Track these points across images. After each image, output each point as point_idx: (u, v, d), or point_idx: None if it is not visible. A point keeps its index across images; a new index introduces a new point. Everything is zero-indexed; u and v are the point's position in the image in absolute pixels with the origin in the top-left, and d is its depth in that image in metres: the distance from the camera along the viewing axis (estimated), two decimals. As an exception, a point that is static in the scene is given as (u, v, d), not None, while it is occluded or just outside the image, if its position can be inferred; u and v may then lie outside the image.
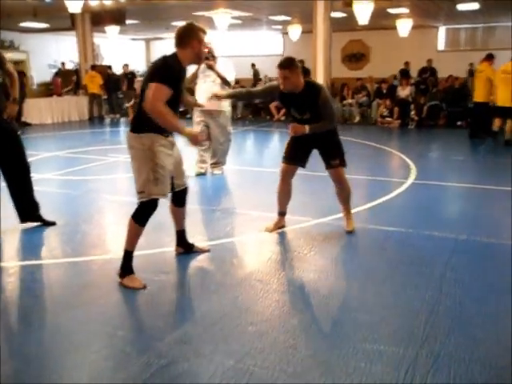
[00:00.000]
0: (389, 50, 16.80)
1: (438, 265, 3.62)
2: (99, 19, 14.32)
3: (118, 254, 3.39)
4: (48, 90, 16.56)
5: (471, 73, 14.35)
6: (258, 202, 5.37)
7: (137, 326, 2.91)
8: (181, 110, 4.04)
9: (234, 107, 12.28)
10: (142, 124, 3.18)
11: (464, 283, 3.33)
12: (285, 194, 4.37)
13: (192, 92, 6.44)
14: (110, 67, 15.91)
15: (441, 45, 17.35)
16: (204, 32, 3.28)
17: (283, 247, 4.18)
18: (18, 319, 2.95)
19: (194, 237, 3.99)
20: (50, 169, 7.39)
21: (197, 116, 6.56)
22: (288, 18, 14.98)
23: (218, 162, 6.86)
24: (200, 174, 6.63)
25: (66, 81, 16.15)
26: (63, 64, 16.37)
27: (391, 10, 12.90)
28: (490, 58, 10.01)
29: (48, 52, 17.71)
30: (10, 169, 4.39)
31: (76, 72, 16.30)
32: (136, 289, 3.21)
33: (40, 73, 17.42)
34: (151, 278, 3.37)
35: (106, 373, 2.38)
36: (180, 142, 3.44)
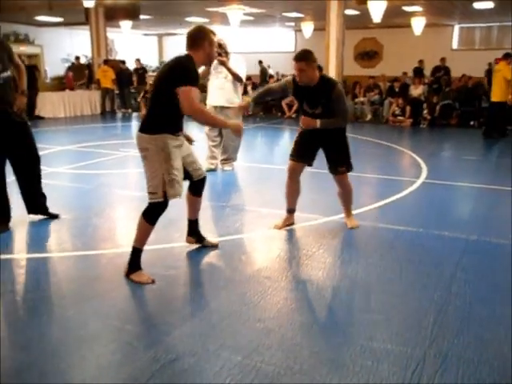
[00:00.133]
0: (402, 48, 16.70)
1: (448, 265, 3.60)
2: (113, 14, 14.38)
3: (129, 248, 3.40)
4: (61, 83, 16.64)
5: (488, 72, 14.20)
6: (268, 199, 5.37)
7: (145, 321, 2.92)
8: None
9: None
10: (155, 124, 3.19)
11: (474, 284, 3.31)
12: (293, 192, 4.37)
13: (204, 88, 6.45)
14: (123, 62, 15.95)
15: (455, 43, 17.21)
16: (214, 34, 3.36)
17: (292, 245, 4.18)
18: (27, 311, 2.97)
19: (204, 233, 3.99)
20: (62, 162, 7.45)
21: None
22: (301, 15, 14.94)
23: (229, 159, 6.86)
24: (210, 170, 6.63)
25: (78, 75, 16.22)
26: (78, 58, 16.42)
27: (406, 8, 12.82)
28: (507, 57, 9.94)
29: (62, 46, 17.80)
30: (21, 160, 4.43)
31: (88, 66, 16.38)
32: (144, 284, 3.23)
33: (54, 67, 17.50)
34: (160, 273, 3.39)
35: (113, 366, 2.40)
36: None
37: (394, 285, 3.31)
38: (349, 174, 4.32)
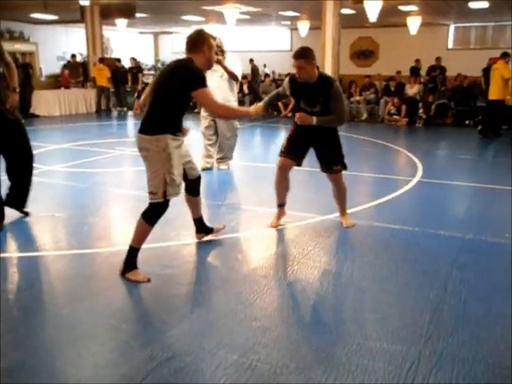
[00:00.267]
0: (398, 47, 16.72)
1: (443, 264, 3.61)
2: (108, 12, 14.32)
3: (124, 246, 3.40)
4: (57, 81, 16.55)
5: (485, 70, 14.21)
6: (264, 197, 5.36)
7: (141, 319, 2.92)
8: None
9: (240, 102, 12.30)
10: (156, 125, 3.21)
11: (469, 282, 3.32)
12: (283, 187, 4.38)
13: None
14: (118, 60, 15.90)
15: (450, 43, 17.25)
16: (214, 39, 3.43)
17: (288, 243, 4.18)
18: (22, 310, 2.96)
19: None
20: (57, 161, 7.42)
21: (204, 110, 6.56)
22: (297, 14, 14.94)
23: (225, 157, 6.86)
24: (206, 169, 6.63)
25: (73, 73, 16.15)
26: (73, 56, 16.34)
27: (402, 8, 12.84)
28: (504, 56, 10.05)
29: (58, 44, 17.71)
30: (14, 158, 4.42)
31: (83, 64, 16.31)
32: (139, 282, 3.23)
33: (49, 64, 17.42)
34: (156, 272, 3.39)
35: (109, 365, 2.40)
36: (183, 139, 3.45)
37: (389, 284, 3.31)
38: (344, 172, 4.33)
